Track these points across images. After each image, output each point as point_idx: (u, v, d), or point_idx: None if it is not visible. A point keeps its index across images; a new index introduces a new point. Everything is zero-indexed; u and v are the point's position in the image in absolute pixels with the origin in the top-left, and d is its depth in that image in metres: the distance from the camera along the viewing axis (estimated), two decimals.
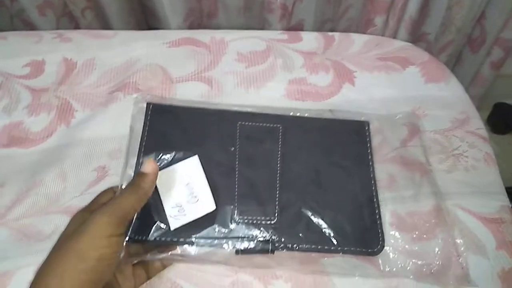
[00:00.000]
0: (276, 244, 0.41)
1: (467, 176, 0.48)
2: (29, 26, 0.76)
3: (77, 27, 0.79)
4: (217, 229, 0.41)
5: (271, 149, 0.46)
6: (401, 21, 0.80)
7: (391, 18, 0.79)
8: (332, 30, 0.84)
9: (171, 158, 0.44)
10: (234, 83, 0.56)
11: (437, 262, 0.41)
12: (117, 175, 0.45)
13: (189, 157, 0.43)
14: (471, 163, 0.49)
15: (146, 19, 0.83)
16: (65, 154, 0.49)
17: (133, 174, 0.44)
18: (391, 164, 0.48)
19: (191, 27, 0.78)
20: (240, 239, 0.41)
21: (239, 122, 0.48)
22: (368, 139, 0.49)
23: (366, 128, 0.49)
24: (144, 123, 0.47)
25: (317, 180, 0.45)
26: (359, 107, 0.53)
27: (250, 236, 0.41)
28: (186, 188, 0.42)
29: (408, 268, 0.41)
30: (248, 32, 0.63)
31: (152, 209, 0.41)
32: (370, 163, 0.47)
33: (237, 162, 0.45)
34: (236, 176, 0.44)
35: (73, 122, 0.52)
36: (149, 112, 0.48)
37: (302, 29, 0.81)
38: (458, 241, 0.43)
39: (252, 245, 0.41)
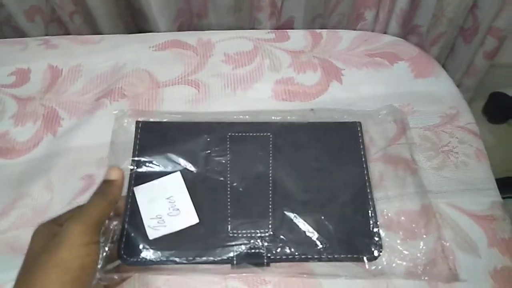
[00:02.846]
0: (272, 257, 0.41)
1: (457, 173, 0.48)
2: (19, 32, 0.76)
3: (66, 32, 0.79)
4: (210, 245, 0.41)
5: (262, 159, 0.46)
6: (392, 14, 0.78)
7: (382, 11, 0.78)
8: (323, 26, 0.83)
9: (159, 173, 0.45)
10: (221, 86, 0.55)
11: (425, 263, 0.41)
12: None
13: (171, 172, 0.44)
14: (461, 159, 0.49)
15: (135, 21, 0.82)
16: (52, 164, 0.49)
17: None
18: (380, 163, 0.47)
19: (180, 28, 0.77)
20: (234, 252, 0.41)
21: (229, 134, 0.47)
22: (361, 140, 0.48)
23: (359, 129, 0.48)
24: (134, 141, 0.46)
25: (311, 189, 0.45)
26: (348, 105, 0.52)
27: (245, 250, 0.41)
28: (167, 201, 0.42)
29: (396, 268, 0.41)
30: (235, 32, 0.62)
31: (137, 230, 0.41)
32: (364, 166, 0.46)
33: (228, 175, 0.45)
34: (228, 189, 0.44)
35: (60, 131, 0.52)
36: (139, 130, 0.47)
37: (292, 26, 0.80)
38: (446, 242, 0.43)
39: (247, 258, 0.41)
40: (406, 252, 0.41)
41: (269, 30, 0.62)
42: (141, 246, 0.40)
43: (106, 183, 0.39)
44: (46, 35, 0.74)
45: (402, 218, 0.44)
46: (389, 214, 0.44)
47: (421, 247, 0.42)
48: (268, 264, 0.41)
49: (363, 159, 0.46)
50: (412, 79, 0.56)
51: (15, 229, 0.44)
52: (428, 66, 0.58)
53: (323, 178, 0.45)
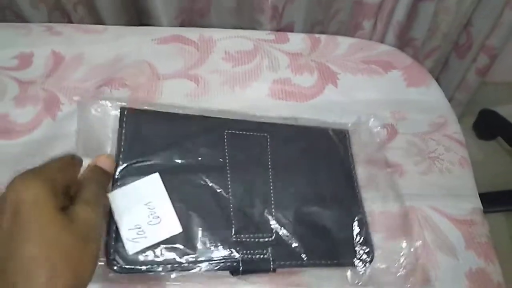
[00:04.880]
0: (277, 262, 0.39)
1: (442, 178, 0.50)
2: (21, 19, 0.77)
3: (69, 21, 0.80)
4: (211, 251, 0.38)
5: (261, 160, 0.44)
6: (389, 25, 0.81)
7: (379, 22, 0.81)
8: (322, 33, 0.85)
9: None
10: (220, 82, 0.57)
11: (405, 265, 0.43)
12: None
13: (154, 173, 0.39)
14: (446, 166, 0.51)
15: (138, 15, 0.83)
16: (50, 147, 0.50)
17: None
18: (367, 165, 0.49)
19: (182, 25, 0.79)
20: (239, 258, 0.38)
21: (226, 131, 0.44)
22: (349, 147, 0.49)
23: (347, 136, 0.50)
24: (119, 132, 0.41)
25: (308, 193, 0.44)
26: (341, 108, 0.54)
27: (250, 255, 0.38)
28: (145, 208, 0.37)
29: (382, 270, 0.42)
30: (237, 31, 0.64)
31: (112, 243, 0.36)
32: (354, 173, 0.47)
33: (228, 175, 0.41)
34: (229, 189, 0.41)
35: (59, 115, 0.53)
36: (124, 119, 0.42)
37: (292, 31, 0.82)
38: (426, 244, 0.45)
39: (253, 264, 0.38)
40: (389, 254, 0.43)
41: (270, 32, 0.64)
42: (121, 261, 0.35)
43: (102, 172, 0.36)
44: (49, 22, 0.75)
45: (385, 220, 0.45)
46: (373, 215, 0.45)
47: (402, 248, 0.43)
48: (274, 270, 0.39)
49: (352, 167, 0.47)
50: (404, 88, 0.58)
51: None
52: (420, 76, 0.60)
53: (319, 183, 0.45)
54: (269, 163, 0.44)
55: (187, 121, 0.44)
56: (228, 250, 0.38)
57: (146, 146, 0.41)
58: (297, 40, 0.62)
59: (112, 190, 0.37)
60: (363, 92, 0.57)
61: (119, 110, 0.42)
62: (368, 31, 0.82)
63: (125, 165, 0.39)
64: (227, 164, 0.42)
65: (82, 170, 0.36)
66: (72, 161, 0.34)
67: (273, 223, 0.41)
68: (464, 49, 0.92)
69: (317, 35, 0.64)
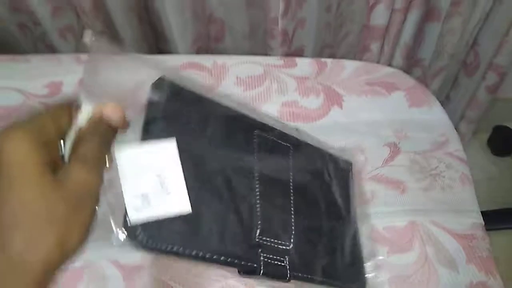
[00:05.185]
0: (293, 272, 0.38)
1: (443, 194, 0.52)
2: (51, 49, 0.83)
3: None
4: (233, 246, 0.35)
5: (284, 168, 0.44)
6: (396, 47, 0.84)
7: (386, 44, 0.84)
8: (331, 55, 0.89)
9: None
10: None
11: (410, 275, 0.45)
12: None
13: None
14: (447, 182, 0.53)
15: (157, 43, 0.89)
16: None
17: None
18: (373, 182, 0.52)
19: (198, 50, 0.84)
20: (260, 261, 0.36)
21: (256, 131, 0.42)
22: (351, 177, 0.50)
23: (350, 168, 0.51)
24: (149, 97, 0.37)
25: (321, 211, 0.44)
26: (346, 128, 0.57)
27: (268, 260, 0.37)
28: (155, 177, 0.33)
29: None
30: (248, 57, 0.68)
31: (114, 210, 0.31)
32: (353, 203, 0.48)
33: (257, 176, 0.40)
34: (257, 189, 0.39)
35: None
36: (160, 86, 0.38)
37: (302, 54, 0.86)
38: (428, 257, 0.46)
39: (271, 270, 0.37)
40: (392, 265, 0.45)
41: (279, 57, 0.68)
42: (123, 232, 0.30)
43: (107, 126, 0.29)
44: (76, 52, 0.81)
45: (390, 233, 0.48)
46: (378, 229, 0.48)
47: (406, 260, 0.45)
48: (289, 280, 0.38)
49: (351, 197, 0.49)
50: (407, 108, 0.61)
51: None
52: (423, 97, 0.62)
53: (325, 205, 0.46)
54: (291, 173, 0.44)
55: (220, 109, 0.41)
56: (250, 249, 0.36)
57: (175, 118, 0.37)
58: (304, 65, 0.66)
59: (120, 147, 0.31)
60: (367, 113, 0.60)
61: (158, 78, 0.38)
62: (376, 53, 0.85)
63: (145, 128, 0.35)
64: (255, 164, 0.40)
65: (84, 119, 0.28)
66: (69, 106, 0.28)
67: (292, 232, 0.40)
68: (472, 67, 0.94)
69: (323, 59, 0.67)
